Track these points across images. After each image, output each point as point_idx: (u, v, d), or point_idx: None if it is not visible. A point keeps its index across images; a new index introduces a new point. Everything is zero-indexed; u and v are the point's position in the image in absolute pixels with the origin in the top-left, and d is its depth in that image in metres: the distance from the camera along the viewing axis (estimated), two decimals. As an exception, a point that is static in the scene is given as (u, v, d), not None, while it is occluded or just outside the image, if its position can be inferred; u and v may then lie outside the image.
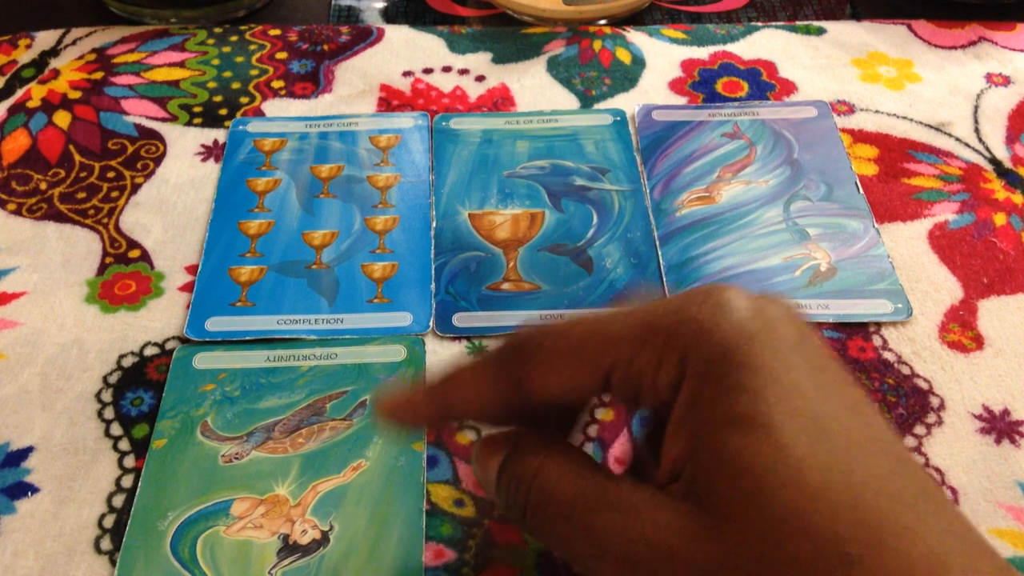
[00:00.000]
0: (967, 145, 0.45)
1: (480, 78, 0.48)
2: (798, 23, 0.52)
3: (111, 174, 0.43)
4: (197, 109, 0.46)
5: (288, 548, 0.30)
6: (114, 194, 0.42)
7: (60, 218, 0.41)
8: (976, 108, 0.47)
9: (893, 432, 0.23)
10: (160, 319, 0.37)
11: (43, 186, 0.43)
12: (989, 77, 0.48)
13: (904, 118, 0.46)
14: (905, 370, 0.36)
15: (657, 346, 0.23)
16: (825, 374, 0.22)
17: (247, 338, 0.36)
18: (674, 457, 0.22)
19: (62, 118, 0.46)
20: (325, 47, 0.50)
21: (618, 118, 0.46)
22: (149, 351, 0.36)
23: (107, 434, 0.34)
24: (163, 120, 0.46)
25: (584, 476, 0.24)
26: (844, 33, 0.51)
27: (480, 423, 0.28)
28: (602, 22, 0.52)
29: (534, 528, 0.24)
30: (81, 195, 0.42)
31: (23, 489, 0.32)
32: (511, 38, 0.51)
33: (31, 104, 0.47)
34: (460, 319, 0.37)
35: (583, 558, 0.24)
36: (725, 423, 0.21)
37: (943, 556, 0.19)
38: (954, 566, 0.19)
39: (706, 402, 0.22)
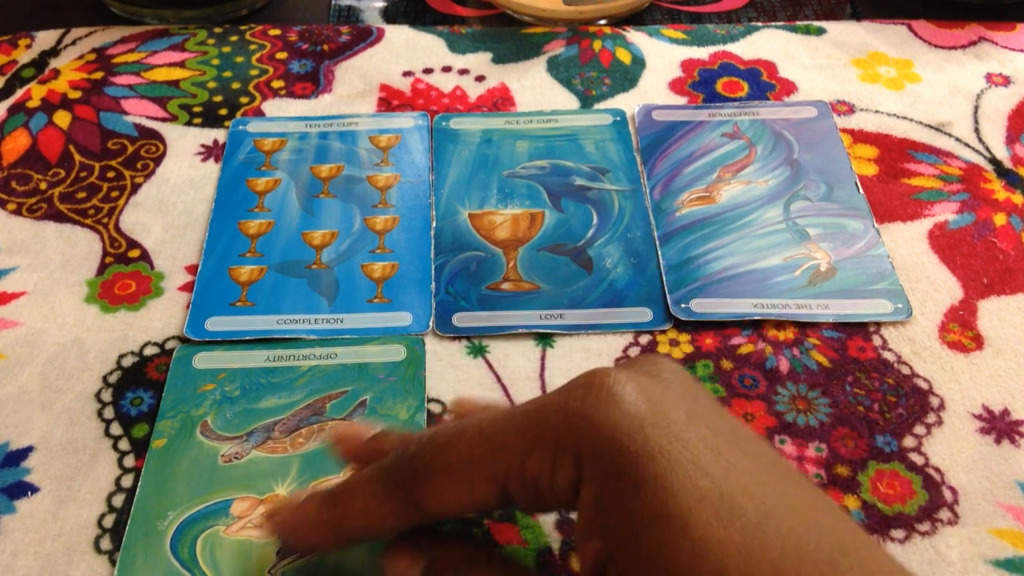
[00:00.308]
0: (967, 145, 0.45)
1: (480, 78, 0.48)
2: (798, 23, 0.52)
3: (111, 174, 0.43)
4: (197, 109, 0.46)
5: (288, 548, 0.30)
6: (114, 194, 0.42)
7: (60, 218, 0.41)
8: (976, 108, 0.47)
9: (800, 477, 0.23)
10: (160, 319, 0.37)
11: (43, 186, 0.43)
12: (989, 77, 0.48)
13: (904, 118, 0.46)
14: (905, 370, 0.36)
15: (548, 448, 0.22)
16: (720, 439, 0.22)
17: (247, 338, 0.36)
18: (593, 557, 0.22)
19: (62, 118, 0.46)
20: (325, 47, 0.50)
21: (618, 118, 0.46)
22: (149, 351, 0.36)
23: (107, 434, 0.34)
24: (163, 120, 0.46)
25: None
26: (844, 33, 0.51)
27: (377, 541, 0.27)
28: (602, 22, 0.52)
29: None
30: (81, 195, 0.42)
31: (23, 489, 0.32)
32: (511, 38, 0.51)
33: (31, 104, 0.47)
34: (460, 319, 0.37)
35: None
36: (638, 521, 0.21)
37: None
38: None
39: (612, 501, 0.21)
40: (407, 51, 0.50)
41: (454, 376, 0.35)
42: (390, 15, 0.53)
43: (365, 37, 0.51)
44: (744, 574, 0.20)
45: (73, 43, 0.50)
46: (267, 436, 0.33)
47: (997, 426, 0.34)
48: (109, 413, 0.34)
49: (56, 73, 0.48)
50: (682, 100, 0.47)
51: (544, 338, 0.37)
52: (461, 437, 0.24)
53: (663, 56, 0.50)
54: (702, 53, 0.50)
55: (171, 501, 0.31)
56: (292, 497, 0.27)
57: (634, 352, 0.36)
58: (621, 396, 0.22)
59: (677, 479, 0.21)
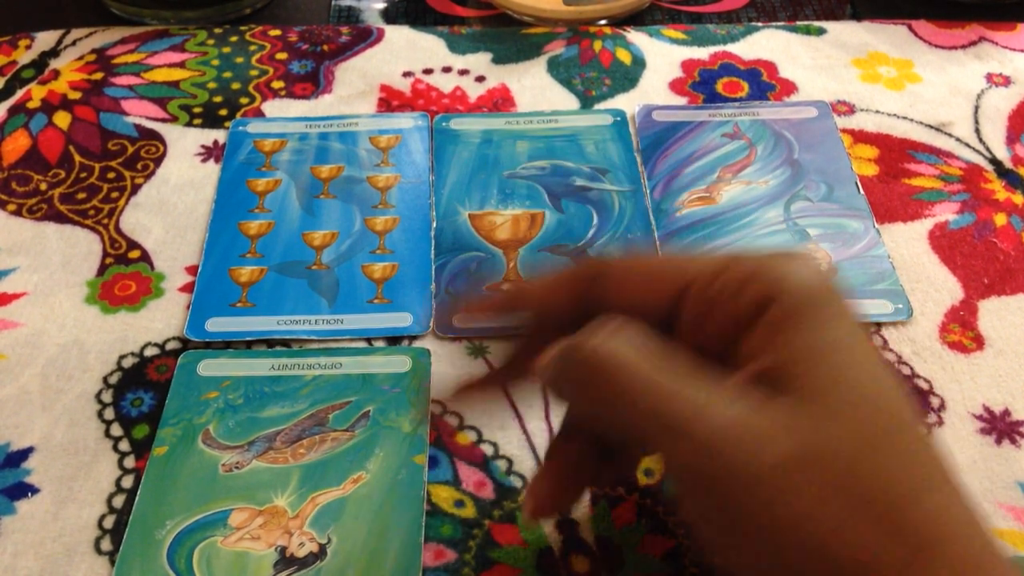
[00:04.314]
0: (967, 145, 0.45)
1: (480, 78, 0.48)
2: (798, 23, 0.52)
3: (111, 175, 0.43)
4: (197, 110, 0.46)
5: (284, 561, 0.30)
6: (114, 195, 0.42)
7: (60, 219, 0.41)
8: (976, 108, 0.47)
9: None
10: (160, 320, 0.37)
11: (43, 187, 0.43)
12: (989, 77, 0.48)
13: (904, 118, 0.46)
14: (905, 370, 0.36)
15: (740, 276, 0.24)
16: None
17: (247, 339, 0.36)
18: (758, 370, 0.23)
19: (62, 119, 0.46)
20: (325, 47, 0.50)
21: (618, 118, 0.46)
22: (149, 352, 0.36)
23: (107, 435, 0.34)
24: (163, 121, 0.46)
25: (663, 357, 0.23)
26: (844, 33, 0.51)
27: (541, 320, 0.27)
28: (602, 22, 0.52)
29: (593, 401, 0.24)
30: (81, 196, 0.42)
31: (23, 490, 0.32)
32: (511, 38, 0.51)
33: (31, 105, 0.47)
34: (460, 320, 0.37)
35: (645, 439, 0.24)
36: (819, 341, 0.23)
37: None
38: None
39: (799, 329, 0.23)
40: (407, 51, 0.50)
41: (454, 377, 0.35)
42: (390, 15, 0.53)
43: (365, 37, 0.51)
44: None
45: (73, 44, 0.50)
46: (268, 446, 0.33)
47: (998, 426, 0.34)
48: (109, 414, 0.34)
49: (56, 74, 0.48)
50: (682, 100, 0.47)
51: (544, 339, 0.37)
52: (654, 257, 0.27)
53: (663, 56, 0.50)
54: (702, 53, 0.50)
55: (170, 510, 0.31)
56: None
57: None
58: (811, 275, 0.24)
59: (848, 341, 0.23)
